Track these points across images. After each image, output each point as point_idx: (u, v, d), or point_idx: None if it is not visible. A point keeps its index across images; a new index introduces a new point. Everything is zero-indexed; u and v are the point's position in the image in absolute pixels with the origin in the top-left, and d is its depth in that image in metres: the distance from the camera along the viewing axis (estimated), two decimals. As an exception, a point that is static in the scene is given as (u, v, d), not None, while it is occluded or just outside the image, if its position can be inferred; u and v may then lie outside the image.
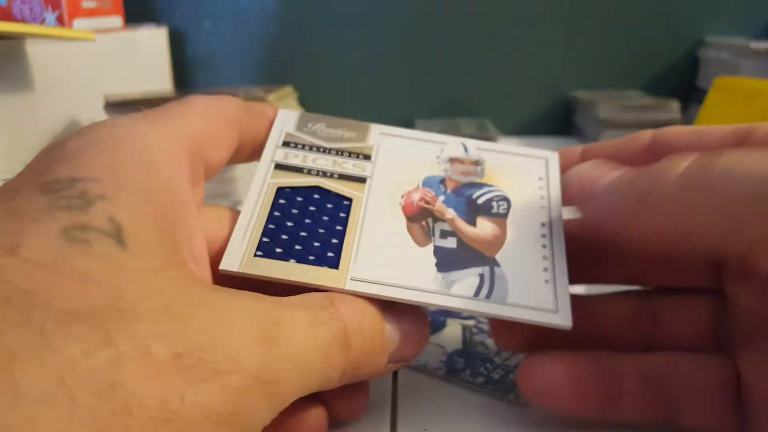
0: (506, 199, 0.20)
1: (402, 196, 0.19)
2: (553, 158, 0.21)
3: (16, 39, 0.37)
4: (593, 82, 0.67)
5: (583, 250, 0.19)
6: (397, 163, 0.20)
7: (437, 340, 0.24)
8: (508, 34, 0.66)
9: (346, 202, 0.19)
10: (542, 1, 0.65)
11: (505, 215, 0.19)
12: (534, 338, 0.18)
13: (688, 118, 0.61)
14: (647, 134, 0.19)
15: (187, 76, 0.68)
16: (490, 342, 0.24)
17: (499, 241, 0.19)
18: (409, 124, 0.67)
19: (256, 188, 0.19)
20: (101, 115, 0.43)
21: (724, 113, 0.59)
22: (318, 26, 0.66)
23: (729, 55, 0.60)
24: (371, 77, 0.67)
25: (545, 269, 0.18)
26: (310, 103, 0.67)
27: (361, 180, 0.20)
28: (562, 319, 0.17)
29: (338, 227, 0.18)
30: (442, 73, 0.67)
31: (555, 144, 0.64)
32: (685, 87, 0.66)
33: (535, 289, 0.17)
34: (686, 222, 0.15)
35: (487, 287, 0.17)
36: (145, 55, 0.58)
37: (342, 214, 0.18)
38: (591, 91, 0.65)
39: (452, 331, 0.25)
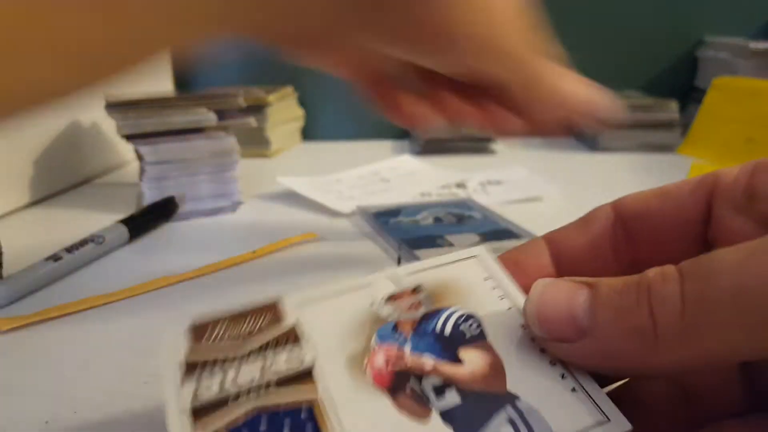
0: (471, 317, 0.17)
1: (365, 369, 0.15)
2: (482, 252, 0.19)
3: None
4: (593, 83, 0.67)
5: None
6: (335, 333, 0.16)
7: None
8: (508, 34, 0.66)
9: (305, 411, 0.15)
10: (542, 1, 0.65)
11: (481, 335, 0.16)
12: None
13: (686, 118, 0.61)
14: (606, 210, 0.17)
15: (187, 76, 0.68)
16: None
17: (498, 368, 0.16)
18: (408, 124, 0.67)
19: None
20: (102, 116, 0.43)
21: (722, 113, 0.59)
22: (318, 26, 0.66)
23: (728, 55, 0.61)
24: (371, 77, 0.67)
25: (563, 377, 0.15)
26: (310, 103, 0.68)
27: (307, 373, 0.15)
28: (618, 425, 0.14)
29: None
30: (441, 73, 0.67)
31: (555, 143, 0.64)
32: (684, 87, 0.66)
33: (569, 405, 0.15)
34: (713, 349, 0.13)
35: (526, 431, 0.14)
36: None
37: (309, 430, 0.14)
38: (590, 91, 0.65)
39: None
